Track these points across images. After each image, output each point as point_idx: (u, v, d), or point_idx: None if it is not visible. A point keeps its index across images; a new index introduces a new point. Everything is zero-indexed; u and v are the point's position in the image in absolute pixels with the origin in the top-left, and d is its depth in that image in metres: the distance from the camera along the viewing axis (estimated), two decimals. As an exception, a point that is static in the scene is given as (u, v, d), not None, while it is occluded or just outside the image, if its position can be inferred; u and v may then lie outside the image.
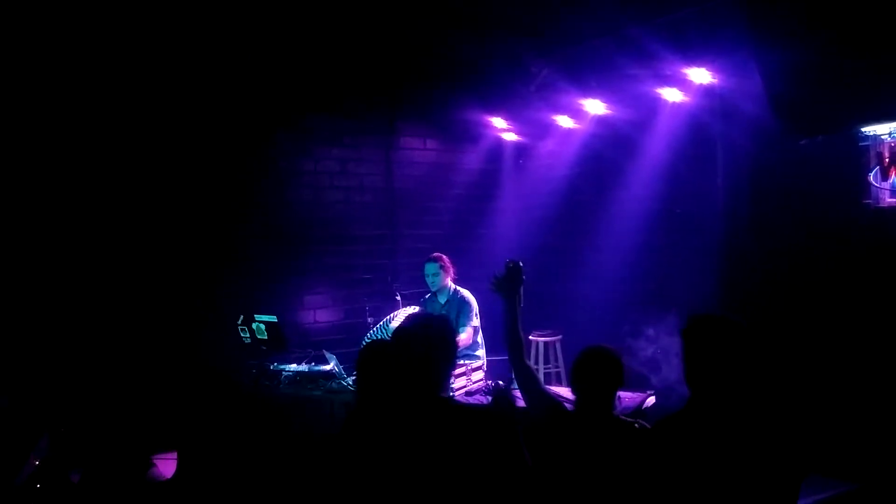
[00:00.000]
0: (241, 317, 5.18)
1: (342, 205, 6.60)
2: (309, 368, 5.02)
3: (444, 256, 5.32)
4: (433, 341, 2.35)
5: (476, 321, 5.20)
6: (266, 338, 5.09)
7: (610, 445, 2.54)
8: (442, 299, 5.29)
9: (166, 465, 3.74)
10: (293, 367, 5.06)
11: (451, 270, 5.31)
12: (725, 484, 2.23)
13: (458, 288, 5.30)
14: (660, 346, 5.83)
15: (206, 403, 4.80)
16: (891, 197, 4.22)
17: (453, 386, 4.57)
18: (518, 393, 2.98)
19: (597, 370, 2.66)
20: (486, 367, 5.08)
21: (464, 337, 5.00)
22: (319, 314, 6.39)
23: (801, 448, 2.27)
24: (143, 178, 5.42)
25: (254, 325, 5.11)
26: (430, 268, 5.25)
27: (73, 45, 5.04)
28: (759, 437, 2.24)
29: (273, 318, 5.03)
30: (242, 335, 5.19)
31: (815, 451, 2.30)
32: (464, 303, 5.19)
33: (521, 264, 3.05)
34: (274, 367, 5.07)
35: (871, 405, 4.46)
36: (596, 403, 2.65)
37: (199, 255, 5.62)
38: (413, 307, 5.44)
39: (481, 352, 5.26)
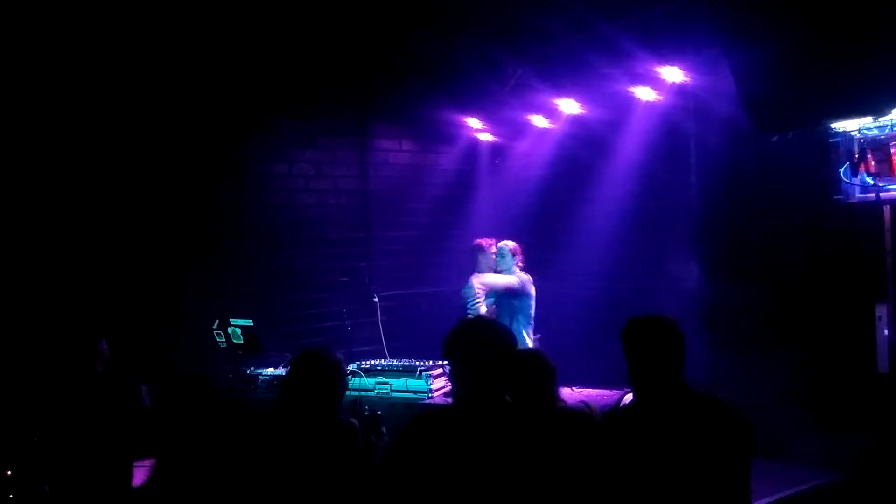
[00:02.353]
0: (217, 321, 5.12)
1: (317, 207, 6.55)
2: (286, 372, 4.96)
3: (516, 245, 5.80)
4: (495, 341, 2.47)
5: (508, 282, 5.61)
6: (242, 342, 5.04)
7: (554, 439, 2.57)
8: None
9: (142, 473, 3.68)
10: (270, 370, 5.02)
11: (520, 258, 5.79)
12: (675, 474, 2.31)
13: (522, 274, 5.75)
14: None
15: (182, 410, 4.72)
16: (861, 192, 4.26)
17: (432, 387, 4.56)
18: None
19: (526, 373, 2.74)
20: None
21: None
22: (296, 317, 6.32)
23: (746, 436, 2.43)
24: (113, 182, 5.33)
25: (229, 330, 5.06)
26: (500, 250, 5.77)
27: (34, 41, 4.95)
28: (704, 427, 2.40)
29: (249, 322, 4.98)
30: (218, 340, 5.12)
31: (757, 439, 2.45)
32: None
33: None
34: (250, 371, 5.02)
35: (844, 397, 4.53)
36: (535, 401, 2.72)
37: (172, 261, 5.53)
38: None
39: None
